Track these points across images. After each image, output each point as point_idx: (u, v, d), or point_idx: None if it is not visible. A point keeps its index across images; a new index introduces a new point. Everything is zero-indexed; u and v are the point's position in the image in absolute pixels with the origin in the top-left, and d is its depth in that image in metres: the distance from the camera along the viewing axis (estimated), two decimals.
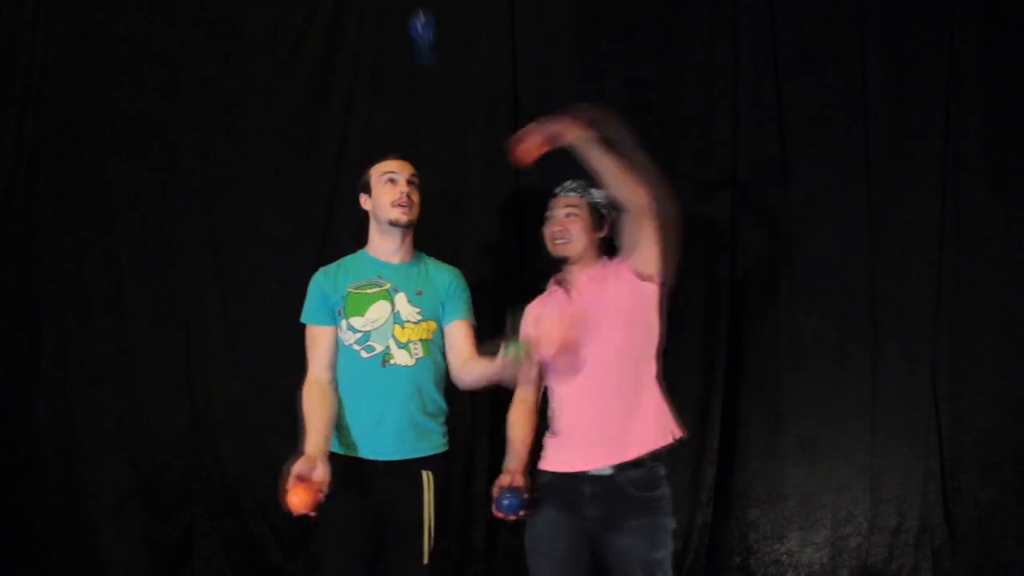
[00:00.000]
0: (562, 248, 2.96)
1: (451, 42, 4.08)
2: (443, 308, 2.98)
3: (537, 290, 3.94)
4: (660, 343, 2.97)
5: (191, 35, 4.14)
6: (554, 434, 2.94)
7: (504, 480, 2.87)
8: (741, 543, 3.96)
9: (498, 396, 3.73)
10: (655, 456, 2.84)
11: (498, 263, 4.02)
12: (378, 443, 2.91)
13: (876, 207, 3.95)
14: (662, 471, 2.86)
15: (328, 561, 2.95)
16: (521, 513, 2.81)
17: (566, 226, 2.96)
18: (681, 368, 3.98)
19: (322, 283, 3.00)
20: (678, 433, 2.89)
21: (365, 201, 3.04)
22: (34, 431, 4.15)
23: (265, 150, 4.13)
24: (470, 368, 2.93)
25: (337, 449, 2.95)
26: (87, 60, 4.16)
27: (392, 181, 2.97)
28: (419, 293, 2.96)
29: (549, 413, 3.01)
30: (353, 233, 3.96)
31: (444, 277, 3.04)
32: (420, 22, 2.69)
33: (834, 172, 3.98)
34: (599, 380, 2.85)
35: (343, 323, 2.95)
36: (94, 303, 4.16)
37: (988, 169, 3.90)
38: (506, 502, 2.80)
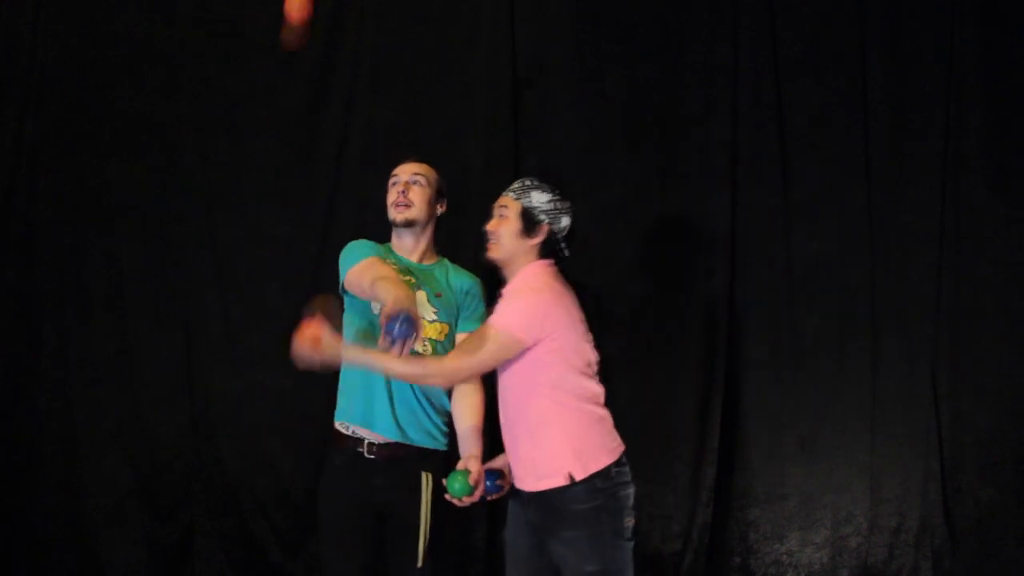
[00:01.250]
0: (489, 250, 2.83)
1: (451, 42, 4.09)
2: (458, 313, 3.00)
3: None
4: (570, 378, 2.77)
5: (191, 35, 4.15)
6: None
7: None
8: (741, 543, 3.97)
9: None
10: (599, 472, 2.70)
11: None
12: (384, 420, 2.88)
13: (876, 207, 3.95)
14: (603, 483, 2.71)
15: (327, 561, 2.95)
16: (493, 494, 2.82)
17: (494, 228, 2.82)
18: (681, 368, 4.00)
19: (372, 244, 2.99)
20: (577, 475, 2.68)
21: None
22: (34, 431, 4.15)
23: (265, 150, 4.13)
24: (460, 399, 2.93)
25: (343, 422, 2.93)
26: (87, 60, 4.17)
27: (394, 184, 3.00)
28: (438, 295, 2.97)
29: None
30: (353, 233, 3.98)
31: (464, 284, 3.04)
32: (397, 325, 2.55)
33: (834, 172, 3.98)
34: (509, 407, 2.80)
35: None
36: (94, 303, 4.17)
37: (988, 169, 3.91)
38: (488, 484, 2.82)
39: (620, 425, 4.07)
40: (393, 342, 2.50)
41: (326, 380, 3.99)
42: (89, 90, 4.16)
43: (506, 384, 2.79)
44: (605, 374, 4.01)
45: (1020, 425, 3.86)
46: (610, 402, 4.04)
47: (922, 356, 3.92)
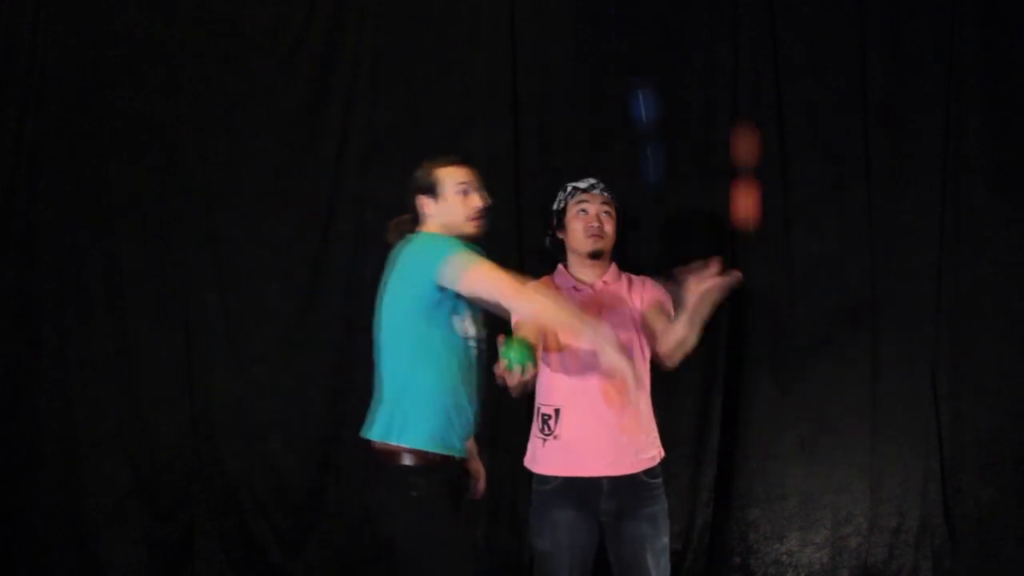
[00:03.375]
0: (596, 243, 3.05)
1: (451, 42, 4.09)
2: None
3: None
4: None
5: (191, 35, 4.14)
6: (555, 437, 2.95)
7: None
8: (741, 543, 3.96)
9: (496, 396, 3.73)
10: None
11: (497, 263, 4.01)
12: (461, 442, 2.76)
13: (876, 207, 3.95)
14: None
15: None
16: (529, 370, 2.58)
17: (602, 223, 3.05)
18: (681, 368, 3.98)
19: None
20: (661, 452, 3.07)
21: (427, 204, 2.85)
22: (34, 431, 4.14)
23: (265, 150, 4.13)
24: None
25: (447, 451, 2.69)
26: (87, 60, 4.16)
27: (466, 192, 2.86)
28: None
29: (541, 410, 3.00)
30: (353, 233, 3.99)
31: None
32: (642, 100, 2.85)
33: (834, 172, 3.98)
34: (643, 387, 2.98)
35: (467, 315, 2.74)
36: (94, 303, 4.16)
37: (988, 169, 3.91)
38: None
39: None
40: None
41: (326, 380, 4.02)
42: (89, 90, 4.16)
43: (645, 368, 3.01)
44: None
45: (1020, 425, 3.86)
46: None
47: (922, 356, 3.92)
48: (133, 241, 4.16)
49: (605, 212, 3.07)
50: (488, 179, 3.98)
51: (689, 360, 3.93)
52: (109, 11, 4.17)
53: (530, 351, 2.55)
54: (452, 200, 2.84)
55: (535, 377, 2.67)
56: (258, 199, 4.12)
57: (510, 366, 2.51)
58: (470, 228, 2.83)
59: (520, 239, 4.01)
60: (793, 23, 3.99)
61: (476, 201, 2.84)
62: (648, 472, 2.97)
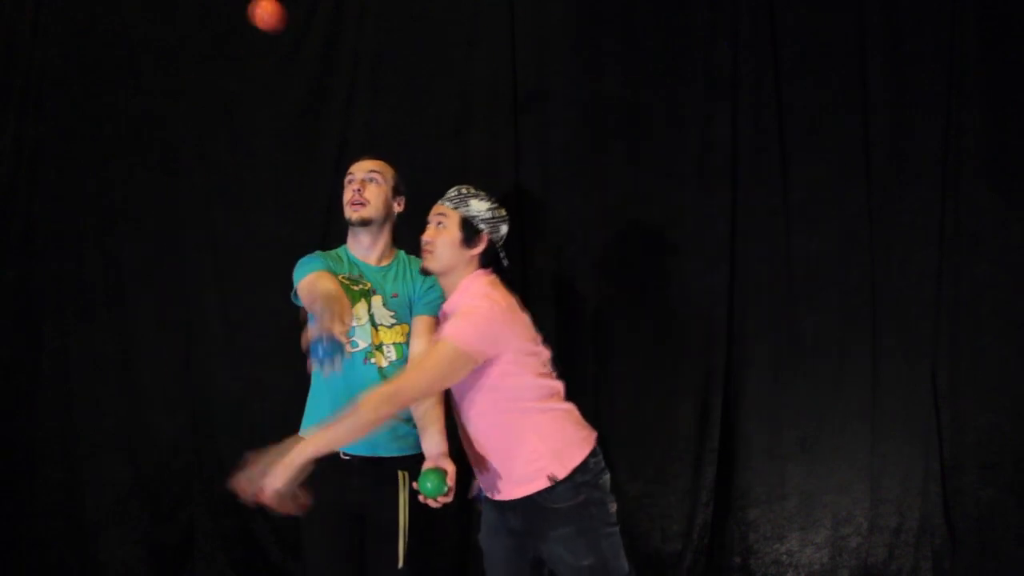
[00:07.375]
0: (426, 261, 2.77)
1: (451, 42, 4.09)
2: (413, 305, 2.96)
3: (536, 290, 3.97)
4: (532, 383, 2.72)
5: (191, 35, 4.14)
6: None
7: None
8: (741, 543, 3.97)
9: None
10: (579, 467, 2.68)
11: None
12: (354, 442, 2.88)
13: (876, 207, 3.95)
14: (584, 476, 2.68)
15: (311, 565, 2.92)
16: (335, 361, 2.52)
17: (432, 238, 2.76)
18: (681, 368, 3.99)
19: (323, 256, 2.98)
20: (558, 475, 2.65)
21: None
22: (34, 431, 4.14)
23: (265, 150, 4.13)
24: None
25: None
26: (87, 60, 4.16)
27: (350, 182, 2.98)
28: (394, 296, 2.95)
29: None
30: None
31: (419, 277, 3.01)
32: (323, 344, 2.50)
33: (834, 172, 3.98)
34: (473, 422, 2.73)
35: (308, 325, 2.85)
36: (94, 303, 4.16)
37: (988, 169, 3.91)
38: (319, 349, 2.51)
39: (620, 425, 4.08)
40: (321, 363, 2.44)
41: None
42: (89, 90, 4.16)
43: (468, 401, 2.71)
44: (604, 375, 4.03)
45: (1020, 425, 3.86)
46: (609, 403, 4.06)
47: (922, 356, 3.92)
48: (133, 241, 4.16)
49: (437, 223, 2.76)
50: (488, 179, 4.01)
51: (689, 360, 3.98)
52: (109, 11, 4.17)
53: (443, 481, 2.68)
54: (344, 192, 3.01)
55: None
56: (258, 199, 4.12)
57: (429, 495, 2.69)
58: (347, 212, 2.96)
59: (522, 240, 4.00)
60: (793, 23, 3.99)
61: (353, 186, 2.95)
62: (547, 496, 2.66)
